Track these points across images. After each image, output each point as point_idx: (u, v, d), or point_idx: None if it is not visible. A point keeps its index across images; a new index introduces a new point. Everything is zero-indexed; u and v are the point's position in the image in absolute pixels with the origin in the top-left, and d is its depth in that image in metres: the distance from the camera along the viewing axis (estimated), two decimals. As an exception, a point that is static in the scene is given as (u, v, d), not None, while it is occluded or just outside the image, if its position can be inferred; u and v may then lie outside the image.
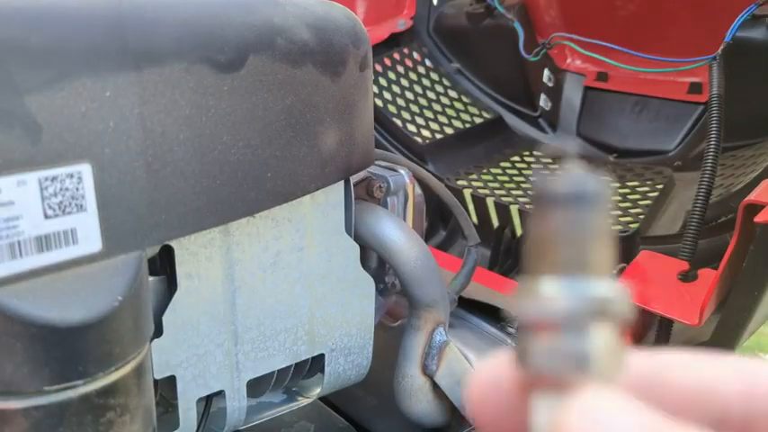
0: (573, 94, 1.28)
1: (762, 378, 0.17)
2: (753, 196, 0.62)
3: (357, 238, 0.55)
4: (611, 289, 0.15)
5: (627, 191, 1.07)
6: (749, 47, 0.92)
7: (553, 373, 0.15)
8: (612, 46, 1.08)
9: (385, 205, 0.60)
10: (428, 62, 1.37)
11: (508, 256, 1.03)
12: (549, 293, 0.15)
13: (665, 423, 0.14)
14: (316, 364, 0.56)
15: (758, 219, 0.59)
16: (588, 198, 0.15)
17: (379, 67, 1.30)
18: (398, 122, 1.25)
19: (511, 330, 0.69)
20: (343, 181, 0.52)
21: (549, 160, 1.20)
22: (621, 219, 0.98)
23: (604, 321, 0.15)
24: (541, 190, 0.16)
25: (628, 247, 0.90)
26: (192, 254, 0.44)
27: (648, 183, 1.07)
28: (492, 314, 0.70)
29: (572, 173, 0.16)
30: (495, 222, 1.07)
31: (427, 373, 0.60)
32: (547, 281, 0.16)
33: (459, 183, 1.13)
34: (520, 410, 0.16)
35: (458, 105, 1.33)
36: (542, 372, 0.15)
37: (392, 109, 1.27)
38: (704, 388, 0.17)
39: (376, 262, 0.62)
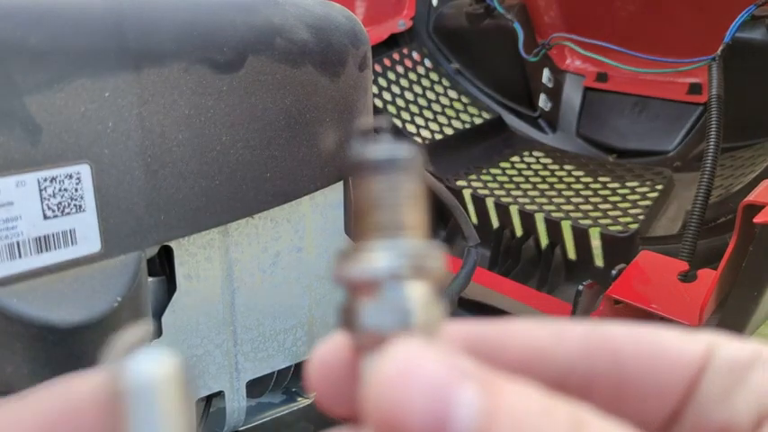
0: (573, 94, 1.28)
1: (602, 338, 0.17)
2: (752, 196, 0.62)
3: (357, 239, 0.55)
4: (425, 247, 0.16)
5: (627, 191, 1.07)
6: (748, 47, 0.92)
7: (376, 331, 0.16)
8: (612, 46, 1.08)
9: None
10: (428, 62, 1.37)
11: (508, 256, 1.03)
12: (367, 255, 0.16)
13: (475, 365, 0.14)
14: (315, 365, 0.56)
15: (758, 219, 0.59)
16: (399, 164, 0.16)
17: (378, 68, 1.30)
18: (398, 123, 1.25)
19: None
20: (342, 181, 0.52)
21: (542, 154, 1.20)
22: (621, 219, 0.98)
23: (421, 278, 0.16)
24: (358, 158, 0.17)
25: (628, 248, 0.90)
26: (192, 254, 0.44)
27: (648, 183, 1.07)
28: (492, 314, 0.70)
29: (384, 142, 0.17)
30: (495, 223, 1.07)
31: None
32: (366, 244, 0.16)
33: (459, 183, 1.13)
34: (354, 379, 0.16)
35: (457, 106, 1.33)
36: (366, 332, 0.16)
37: (392, 109, 1.27)
38: (543, 350, 0.17)
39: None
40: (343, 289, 0.17)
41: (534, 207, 1.03)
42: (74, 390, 0.14)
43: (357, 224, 0.17)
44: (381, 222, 0.16)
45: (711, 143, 0.79)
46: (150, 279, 0.43)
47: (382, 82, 1.29)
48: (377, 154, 0.17)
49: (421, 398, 0.13)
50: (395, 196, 0.16)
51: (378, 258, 0.16)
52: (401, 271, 0.16)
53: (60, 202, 0.34)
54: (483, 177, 1.17)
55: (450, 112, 1.31)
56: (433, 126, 1.27)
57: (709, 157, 0.78)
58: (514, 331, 0.18)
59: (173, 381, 0.13)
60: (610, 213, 1.00)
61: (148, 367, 0.13)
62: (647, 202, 1.01)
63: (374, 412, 0.14)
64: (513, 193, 1.11)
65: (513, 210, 1.04)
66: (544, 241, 0.99)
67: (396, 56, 1.34)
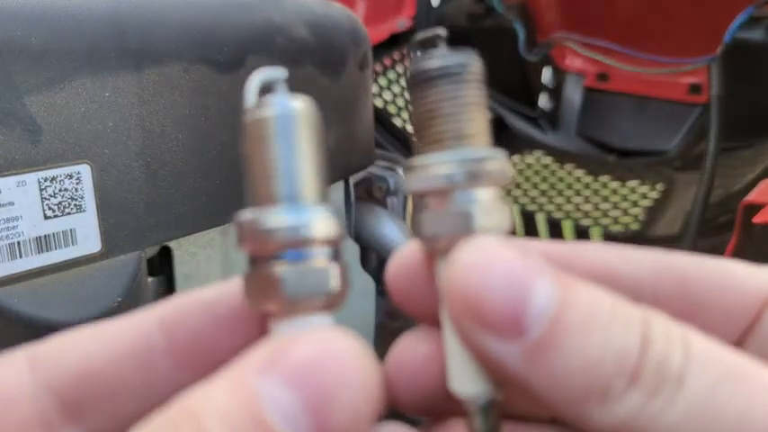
0: (573, 94, 1.28)
1: (671, 264, 0.18)
2: (752, 196, 0.62)
3: (357, 239, 0.55)
4: (486, 154, 0.16)
5: (627, 191, 1.07)
6: (748, 48, 0.92)
7: (444, 235, 0.16)
8: (613, 46, 1.08)
9: (385, 205, 0.60)
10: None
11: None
12: (431, 165, 0.17)
13: (549, 264, 0.15)
14: (315, 365, 0.56)
15: (757, 219, 0.59)
16: (455, 73, 0.17)
17: (379, 67, 1.30)
18: (398, 122, 1.25)
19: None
20: (343, 181, 0.52)
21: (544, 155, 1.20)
22: (621, 218, 0.98)
23: (485, 183, 0.16)
24: (414, 72, 0.17)
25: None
26: (192, 254, 0.44)
27: (648, 183, 1.07)
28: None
29: (439, 52, 0.17)
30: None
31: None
32: (429, 154, 0.17)
33: (460, 183, 1.13)
34: (429, 280, 0.17)
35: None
36: (435, 237, 0.16)
37: (392, 109, 1.27)
38: (614, 269, 0.18)
39: (376, 262, 0.62)
40: (413, 197, 0.17)
41: (535, 207, 1.03)
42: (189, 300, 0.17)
43: (420, 136, 0.17)
44: (442, 132, 0.17)
45: (712, 143, 0.79)
46: (150, 279, 0.43)
47: (382, 82, 1.29)
48: (431, 65, 0.17)
49: (500, 285, 0.14)
50: (453, 105, 0.16)
51: (441, 168, 0.16)
52: (463, 178, 0.16)
53: (61, 202, 0.34)
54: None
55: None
56: (434, 126, 1.27)
57: (710, 157, 0.78)
58: (586, 251, 0.18)
59: (309, 112, 0.16)
60: (610, 213, 1.00)
61: (291, 100, 0.16)
62: (648, 202, 1.01)
63: (455, 298, 0.15)
64: (514, 192, 1.11)
65: (514, 209, 1.04)
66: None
67: (396, 55, 1.34)
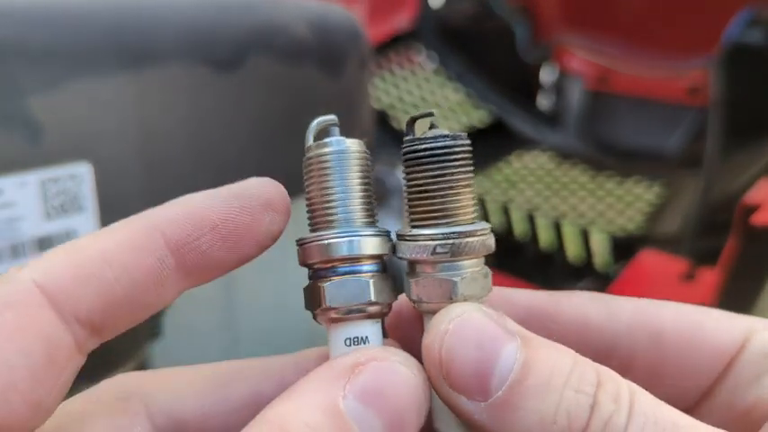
0: (573, 95, 1.28)
1: (648, 317, 0.19)
2: (751, 197, 0.62)
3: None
4: (471, 228, 0.18)
5: (627, 191, 1.07)
6: (748, 49, 0.92)
7: (430, 302, 0.18)
8: (613, 47, 1.08)
9: (384, 205, 0.60)
10: (428, 62, 1.37)
11: (508, 256, 1.03)
12: (419, 236, 0.18)
13: (518, 326, 0.17)
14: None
15: (756, 219, 0.59)
16: (442, 154, 0.18)
17: (378, 68, 1.30)
18: (397, 123, 1.25)
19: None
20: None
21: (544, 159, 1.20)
22: (621, 219, 0.99)
23: (467, 257, 0.18)
24: (405, 151, 0.19)
25: (628, 247, 0.90)
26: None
27: (648, 183, 1.07)
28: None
29: (431, 133, 0.19)
30: (496, 223, 1.07)
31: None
32: (419, 228, 0.19)
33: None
34: (419, 329, 0.19)
35: (457, 106, 1.33)
36: (421, 301, 0.18)
37: (392, 109, 1.27)
38: (593, 324, 0.20)
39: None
40: (406, 265, 0.19)
41: (534, 207, 1.03)
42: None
43: (410, 207, 0.19)
44: (430, 207, 0.18)
45: (712, 143, 0.79)
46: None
47: (382, 82, 1.29)
48: (420, 146, 0.18)
49: (467, 354, 0.16)
50: (440, 183, 0.18)
51: (428, 241, 0.18)
52: (448, 252, 0.18)
53: (62, 203, 0.34)
54: (483, 178, 1.17)
55: (449, 113, 1.31)
56: (433, 126, 1.27)
57: (710, 157, 0.78)
58: (569, 303, 0.20)
59: (360, 149, 0.19)
60: (610, 213, 1.00)
61: (345, 139, 0.19)
62: (647, 203, 1.01)
63: (429, 362, 0.17)
64: (513, 193, 1.11)
65: (514, 210, 1.04)
66: (544, 241, 0.99)
67: (396, 55, 1.34)
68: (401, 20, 1.36)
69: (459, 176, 0.18)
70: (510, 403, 0.16)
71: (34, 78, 0.33)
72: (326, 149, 0.19)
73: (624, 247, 0.90)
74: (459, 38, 1.36)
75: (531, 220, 1.01)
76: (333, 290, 0.18)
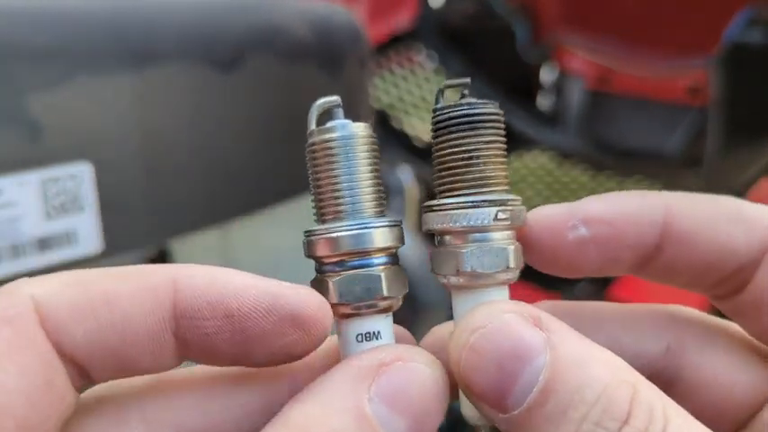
0: (573, 94, 1.28)
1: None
2: (751, 197, 0.62)
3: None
4: (506, 197, 0.18)
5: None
6: (748, 48, 0.92)
7: (483, 272, 0.18)
8: (613, 47, 1.08)
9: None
10: (428, 62, 1.37)
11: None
12: (451, 205, 0.18)
13: (544, 320, 0.16)
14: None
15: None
16: (479, 121, 0.18)
17: (378, 67, 1.30)
18: (398, 123, 1.25)
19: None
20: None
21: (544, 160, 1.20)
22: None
23: (502, 226, 0.18)
24: (440, 118, 0.18)
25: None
26: (191, 254, 0.44)
27: (648, 183, 1.07)
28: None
29: (463, 101, 0.18)
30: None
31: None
32: (450, 197, 0.18)
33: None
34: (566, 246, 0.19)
35: (458, 106, 1.33)
36: (447, 275, 0.18)
37: (392, 109, 1.27)
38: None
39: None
40: (436, 235, 0.19)
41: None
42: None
43: (441, 177, 0.18)
44: (463, 177, 0.18)
45: (712, 143, 0.79)
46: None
47: (382, 82, 1.29)
48: (456, 113, 0.18)
49: (492, 368, 0.16)
50: (476, 151, 0.18)
51: (459, 210, 0.18)
52: (481, 222, 0.17)
53: (62, 202, 0.34)
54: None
55: (450, 112, 1.31)
56: (433, 126, 1.27)
57: (710, 157, 0.78)
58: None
59: (367, 133, 0.18)
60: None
61: (351, 123, 0.18)
62: (647, 202, 1.01)
63: (453, 367, 0.16)
64: (512, 193, 1.11)
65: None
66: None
67: (396, 55, 1.34)
68: (401, 20, 1.36)
69: (495, 143, 0.18)
70: (527, 423, 0.15)
71: (34, 78, 0.33)
72: (331, 135, 0.18)
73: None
74: (459, 38, 1.36)
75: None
76: (343, 285, 0.17)
